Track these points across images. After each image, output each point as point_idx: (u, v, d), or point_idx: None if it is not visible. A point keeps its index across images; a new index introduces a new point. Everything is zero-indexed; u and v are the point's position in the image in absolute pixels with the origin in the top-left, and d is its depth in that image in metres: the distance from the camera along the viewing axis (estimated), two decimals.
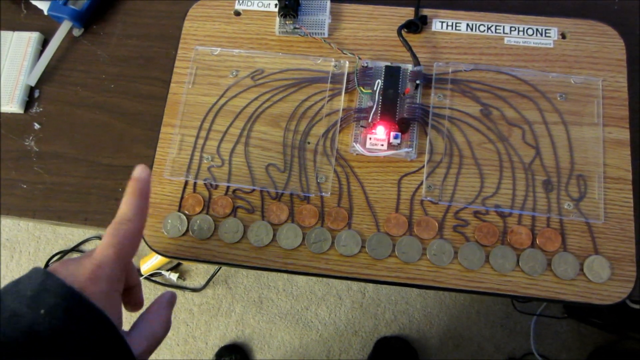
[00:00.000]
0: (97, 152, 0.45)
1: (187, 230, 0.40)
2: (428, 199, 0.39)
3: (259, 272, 1.15)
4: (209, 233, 0.39)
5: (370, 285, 1.09)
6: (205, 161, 0.41)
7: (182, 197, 0.41)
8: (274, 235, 0.39)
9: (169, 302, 0.32)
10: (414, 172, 0.40)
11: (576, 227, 0.38)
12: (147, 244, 0.40)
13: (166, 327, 0.31)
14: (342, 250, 0.38)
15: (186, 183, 0.41)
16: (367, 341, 1.06)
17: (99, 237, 1.15)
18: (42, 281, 0.24)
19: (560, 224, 0.38)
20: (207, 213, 0.40)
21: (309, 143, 0.41)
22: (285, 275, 1.11)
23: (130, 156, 0.45)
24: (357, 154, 0.40)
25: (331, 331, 1.07)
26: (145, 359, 0.28)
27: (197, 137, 0.42)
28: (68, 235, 1.17)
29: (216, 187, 0.41)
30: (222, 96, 0.43)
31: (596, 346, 1.02)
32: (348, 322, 1.07)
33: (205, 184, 0.41)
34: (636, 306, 0.45)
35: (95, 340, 0.24)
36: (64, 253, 1.14)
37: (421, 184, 0.39)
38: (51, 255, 1.14)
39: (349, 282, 1.10)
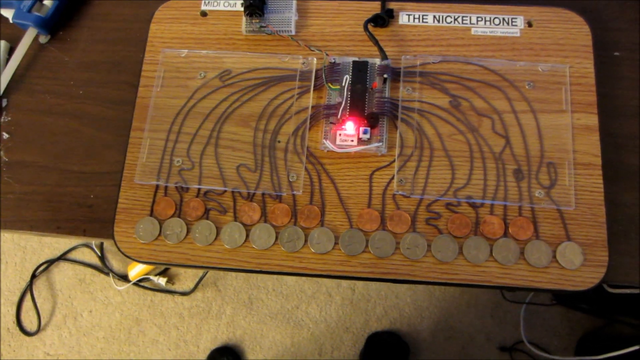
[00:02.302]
0: (68, 159, 0.45)
1: (159, 235, 0.39)
2: (400, 193, 0.39)
3: (248, 272, 1.15)
4: (182, 236, 0.39)
5: (360, 281, 1.09)
6: (175, 164, 0.41)
7: (153, 202, 0.40)
8: (247, 235, 0.39)
9: None
10: (385, 166, 0.40)
11: (548, 214, 0.38)
12: (120, 250, 0.40)
13: None
14: (316, 248, 0.38)
15: (157, 187, 0.41)
16: (358, 337, 1.06)
17: (86, 245, 1.14)
18: None
19: (532, 212, 0.38)
20: (179, 216, 0.40)
21: (279, 142, 0.41)
22: (274, 275, 1.11)
23: (101, 162, 0.44)
24: (327, 151, 0.40)
25: (322, 329, 1.07)
26: None
27: (167, 140, 0.42)
28: (54, 244, 1.15)
29: (187, 189, 0.40)
30: (190, 98, 0.43)
31: (585, 331, 1.03)
32: (339, 319, 1.07)
33: (176, 187, 0.41)
34: (614, 291, 0.46)
35: None
36: (50, 262, 1.13)
37: (392, 178, 0.39)
38: (38, 264, 1.13)
39: (338, 279, 1.11)
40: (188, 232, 0.39)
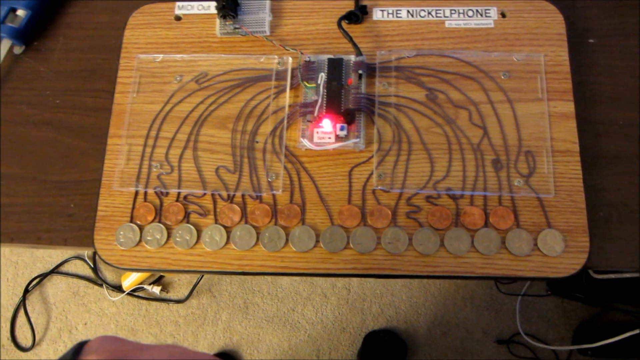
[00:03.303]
0: (46, 169, 0.44)
1: (140, 241, 0.39)
2: (379, 188, 0.39)
3: (243, 278, 1.15)
4: (163, 241, 0.39)
5: (355, 280, 1.09)
6: (154, 169, 0.41)
7: (133, 208, 0.40)
8: (228, 237, 0.39)
9: None
10: (364, 162, 0.40)
11: (528, 203, 0.38)
12: (101, 258, 0.39)
13: None
14: (297, 246, 0.38)
15: (137, 193, 0.40)
16: (355, 337, 1.06)
17: (79, 257, 1.13)
18: None
19: (511, 202, 0.38)
20: (159, 221, 0.40)
21: (257, 142, 0.41)
22: (269, 279, 1.11)
23: (80, 171, 0.44)
24: (305, 149, 0.40)
25: (319, 330, 1.06)
26: None
27: (145, 145, 0.41)
28: (46, 257, 1.15)
29: (167, 194, 0.40)
30: (167, 102, 0.42)
31: (581, 320, 1.03)
32: (335, 320, 1.07)
33: (155, 192, 0.40)
34: (599, 276, 0.46)
35: None
36: (43, 276, 1.12)
37: (372, 173, 0.39)
38: (30, 279, 1.12)
39: (333, 279, 1.10)
40: (169, 236, 0.39)
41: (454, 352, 1.04)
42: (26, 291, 1.11)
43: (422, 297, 1.08)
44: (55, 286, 1.13)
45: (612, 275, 0.45)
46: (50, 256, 1.15)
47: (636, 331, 0.81)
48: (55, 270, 1.12)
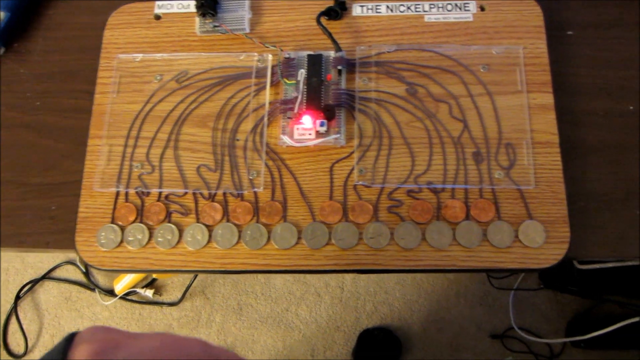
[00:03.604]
0: (27, 172, 0.44)
1: (121, 241, 0.39)
2: (361, 183, 0.39)
3: (236, 279, 1.14)
4: (144, 241, 0.39)
5: (348, 279, 1.09)
6: (135, 169, 0.41)
7: (114, 208, 0.40)
8: (210, 236, 0.38)
9: None
10: (345, 157, 0.40)
11: (508, 195, 0.38)
12: (83, 260, 0.39)
13: None
14: (279, 244, 0.38)
15: (118, 193, 0.40)
16: (350, 335, 1.06)
17: (70, 262, 1.12)
18: None
19: (492, 194, 0.38)
20: (140, 221, 0.39)
21: (238, 140, 0.41)
22: (262, 279, 1.10)
23: (61, 173, 0.44)
24: (286, 146, 0.40)
25: (313, 329, 1.06)
26: None
27: (126, 146, 0.41)
28: (37, 263, 1.14)
29: (148, 194, 0.40)
30: (147, 102, 0.42)
31: (574, 313, 1.04)
32: (329, 319, 1.07)
33: (137, 192, 0.40)
34: (583, 267, 0.46)
35: None
36: (34, 282, 1.11)
37: (353, 169, 0.39)
38: (22, 285, 1.11)
39: (326, 279, 1.10)
40: (150, 236, 0.39)
41: (448, 348, 1.04)
42: (17, 297, 1.10)
43: (416, 294, 1.08)
44: (47, 292, 1.12)
45: (596, 265, 0.45)
46: (41, 262, 1.14)
47: (627, 322, 0.82)
48: (46, 276, 1.12)
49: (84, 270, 1.11)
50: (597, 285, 0.99)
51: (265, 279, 1.10)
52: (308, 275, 1.08)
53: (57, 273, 1.13)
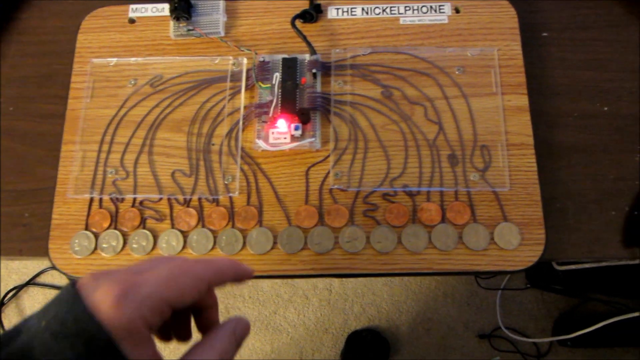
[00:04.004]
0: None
1: (95, 248, 0.38)
2: (336, 187, 0.39)
3: None
4: (119, 248, 0.38)
5: (336, 281, 1.09)
6: (109, 175, 0.40)
7: (88, 215, 0.39)
8: (185, 242, 0.38)
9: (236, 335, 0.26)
10: (320, 161, 0.40)
11: (484, 197, 0.38)
12: (56, 268, 0.39)
13: None
14: (255, 249, 0.37)
15: (91, 200, 0.40)
16: (338, 337, 1.05)
17: (55, 268, 1.11)
18: (68, 311, 0.21)
19: (468, 196, 0.38)
20: (115, 228, 0.39)
21: (213, 144, 0.40)
22: (249, 282, 1.10)
23: (35, 179, 0.43)
24: (262, 150, 0.40)
25: (301, 332, 1.06)
26: None
27: (100, 151, 0.41)
28: (21, 269, 1.13)
29: (123, 200, 0.40)
30: (122, 107, 0.42)
31: (560, 312, 1.04)
32: (317, 321, 1.06)
33: (111, 198, 0.40)
34: (561, 267, 0.46)
35: None
36: (18, 288, 1.10)
37: (329, 172, 0.39)
38: (6, 292, 1.10)
39: (314, 281, 1.10)
40: (125, 243, 0.38)
41: (436, 348, 1.04)
42: (1, 304, 1.08)
43: (404, 295, 1.08)
44: (32, 298, 1.11)
45: (574, 266, 0.45)
46: (25, 267, 1.13)
47: (611, 320, 0.83)
48: (31, 282, 1.10)
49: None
50: (581, 284, 1.00)
51: (253, 282, 1.10)
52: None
53: (42, 279, 1.11)
